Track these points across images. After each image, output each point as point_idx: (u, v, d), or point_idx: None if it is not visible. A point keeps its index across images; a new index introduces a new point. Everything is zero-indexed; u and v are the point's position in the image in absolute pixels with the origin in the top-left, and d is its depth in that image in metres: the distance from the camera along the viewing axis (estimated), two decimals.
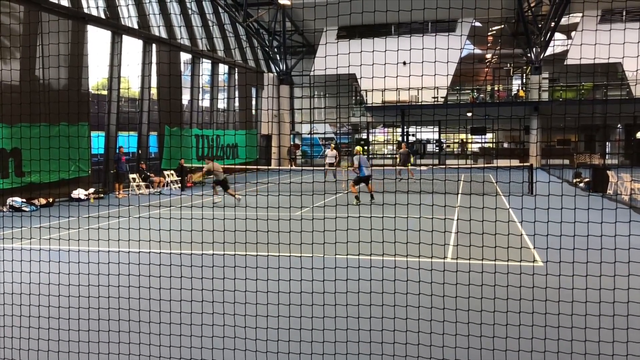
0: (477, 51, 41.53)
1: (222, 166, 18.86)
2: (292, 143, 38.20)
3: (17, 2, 16.87)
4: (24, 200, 16.42)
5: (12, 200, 16.22)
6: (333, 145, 26.60)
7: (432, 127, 40.11)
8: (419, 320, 5.09)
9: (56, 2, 18.58)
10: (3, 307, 5.70)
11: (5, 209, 16.16)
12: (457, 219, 12.14)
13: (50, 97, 16.84)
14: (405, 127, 38.14)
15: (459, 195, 14.53)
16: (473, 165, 27.94)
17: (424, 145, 42.05)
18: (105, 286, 5.63)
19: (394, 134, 40.98)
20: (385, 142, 42.58)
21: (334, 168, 23.28)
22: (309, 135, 38.41)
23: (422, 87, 27.09)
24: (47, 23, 17.07)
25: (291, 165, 32.05)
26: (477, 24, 35.63)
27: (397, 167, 24.14)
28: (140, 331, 5.15)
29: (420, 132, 41.79)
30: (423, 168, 25.32)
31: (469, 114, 35.15)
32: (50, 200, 17.19)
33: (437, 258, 6.66)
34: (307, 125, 37.89)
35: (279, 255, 6.24)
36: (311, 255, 6.28)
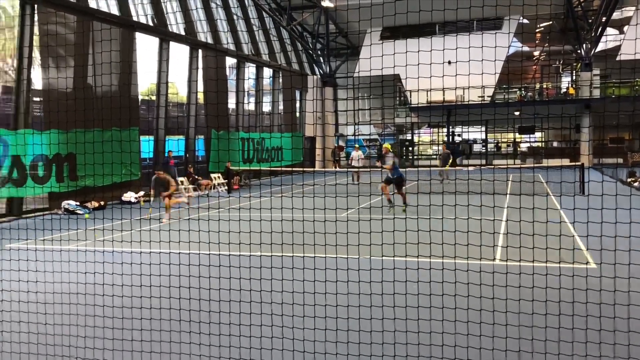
0: (525, 48, 40.60)
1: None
2: (336, 145, 38.26)
3: (71, 13, 17.50)
4: (78, 203, 17.01)
5: (67, 204, 16.82)
6: (357, 146, 26.57)
7: (479, 126, 39.43)
8: (467, 323, 5.01)
9: (107, 11, 19.20)
10: (61, 306, 5.92)
11: (60, 212, 16.78)
12: (506, 220, 11.90)
13: (102, 103, 17.39)
14: (450, 127, 37.62)
15: (508, 195, 14.23)
16: (522, 165, 27.31)
17: (470, 146, 41.38)
18: (157, 287, 5.78)
19: (439, 134, 40.47)
20: (431, 142, 42.07)
21: (358, 169, 23.26)
22: (353, 137, 38.36)
23: (469, 86, 26.70)
24: (99, 32, 17.64)
25: (335, 167, 32.08)
26: (525, 20, 34.84)
27: (439, 169, 23.92)
28: (191, 331, 5.26)
29: (467, 132, 41.14)
30: (470, 168, 24.92)
31: (517, 113, 34.41)
32: (102, 203, 17.74)
33: (486, 260, 6.55)
34: (351, 127, 37.90)
35: (325, 257, 6.25)
36: (357, 257, 6.29)
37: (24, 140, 15.72)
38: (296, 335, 5.14)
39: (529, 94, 36.98)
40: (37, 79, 17.14)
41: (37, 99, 17.92)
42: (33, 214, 16.54)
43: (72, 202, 16.91)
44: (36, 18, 16.36)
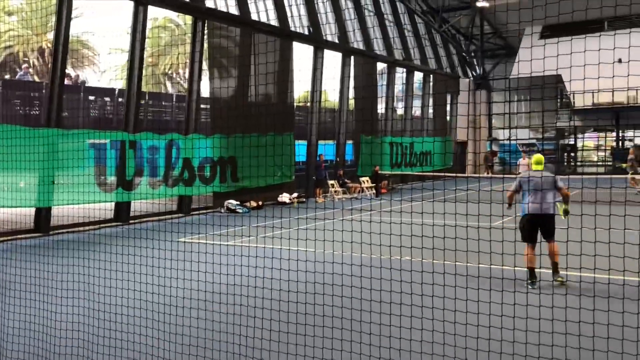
0: None
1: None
2: (488, 150, 36.83)
3: (235, 25, 18.85)
4: (239, 202, 18.26)
5: (229, 203, 18.14)
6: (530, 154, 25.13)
7: None
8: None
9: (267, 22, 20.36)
10: (227, 297, 6.40)
11: (223, 210, 18.14)
12: None
13: (260, 110, 18.51)
14: (620, 131, 34.47)
15: None
16: None
17: None
18: (311, 283, 6.02)
19: (606, 138, 37.23)
20: (597, 147, 38.75)
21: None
22: (507, 142, 36.63)
23: None
24: (260, 43, 18.78)
25: (488, 173, 30.94)
26: None
27: (630, 176, 21.59)
28: (343, 327, 5.41)
29: None
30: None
31: None
32: (260, 203, 18.87)
33: None
34: (506, 131, 36.23)
35: (478, 266, 6.06)
36: (513, 267, 6.03)
37: (192, 144, 17.27)
38: (447, 341, 5.06)
39: None
40: (204, 88, 18.70)
41: (204, 106, 19.53)
42: (198, 212, 18.08)
43: (233, 202, 18.19)
44: (205, 32, 17.85)
